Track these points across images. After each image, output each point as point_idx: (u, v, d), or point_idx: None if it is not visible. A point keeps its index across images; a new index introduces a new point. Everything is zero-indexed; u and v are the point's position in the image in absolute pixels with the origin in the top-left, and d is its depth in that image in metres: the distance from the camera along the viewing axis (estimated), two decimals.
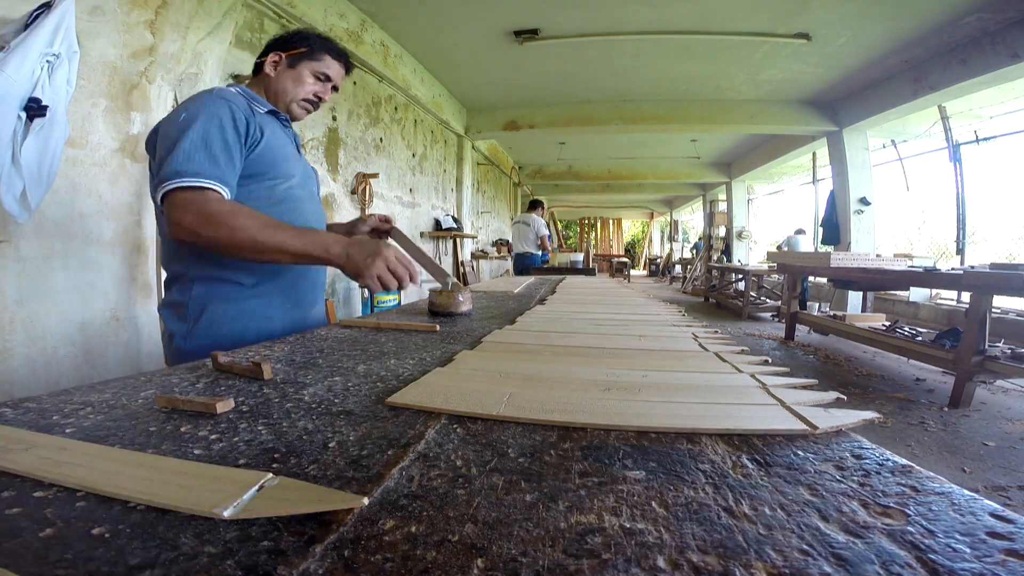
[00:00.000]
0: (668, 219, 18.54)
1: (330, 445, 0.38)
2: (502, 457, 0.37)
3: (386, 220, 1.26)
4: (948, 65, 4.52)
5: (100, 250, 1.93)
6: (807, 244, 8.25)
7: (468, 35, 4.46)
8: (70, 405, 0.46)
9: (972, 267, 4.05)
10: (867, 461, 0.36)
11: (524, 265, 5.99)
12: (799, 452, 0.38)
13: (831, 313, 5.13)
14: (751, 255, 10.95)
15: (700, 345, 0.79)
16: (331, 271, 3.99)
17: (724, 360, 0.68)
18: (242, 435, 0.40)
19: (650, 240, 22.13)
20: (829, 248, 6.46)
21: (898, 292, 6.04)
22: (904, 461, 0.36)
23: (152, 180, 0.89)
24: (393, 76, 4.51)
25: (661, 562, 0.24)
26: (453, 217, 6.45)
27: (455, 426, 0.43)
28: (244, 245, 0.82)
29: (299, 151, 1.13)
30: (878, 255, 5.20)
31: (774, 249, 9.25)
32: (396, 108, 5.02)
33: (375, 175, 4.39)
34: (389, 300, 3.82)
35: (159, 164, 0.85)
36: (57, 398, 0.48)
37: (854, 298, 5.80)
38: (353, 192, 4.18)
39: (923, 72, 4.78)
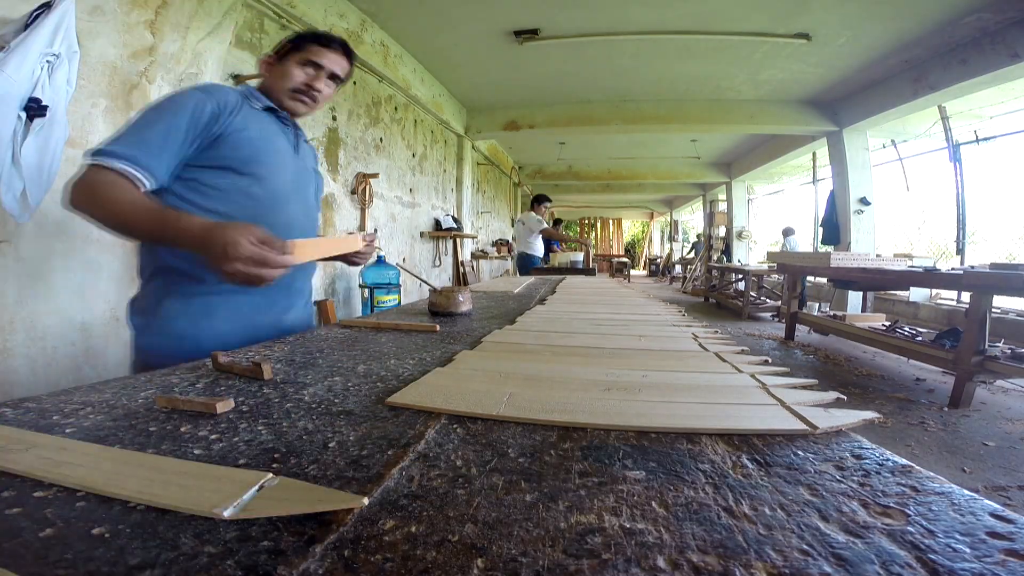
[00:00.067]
0: (668, 219, 18.54)
1: (330, 445, 0.38)
2: (502, 457, 0.37)
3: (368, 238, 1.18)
4: (948, 65, 4.52)
5: (100, 250, 1.93)
6: (802, 241, 8.28)
7: (468, 35, 4.46)
8: (70, 405, 0.46)
9: (972, 267, 4.05)
10: (867, 461, 0.36)
11: (522, 265, 5.98)
12: (799, 452, 0.38)
13: (831, 313, 5.13)
14: (751, 255, 10.96)
15: (700, 345, 0.79)
16: (328, 272, 3.97)
17: (724, 360, 0.68)
18: (242, 435, 0.40)
19: (650, 240, 22.14)
20: (829, 248, 6.46)
21: (898, 292, 6.04)
22: (904, 461, 0.36)
23: None
24: (393, 76, 4.52)
25: (661, 562, 0.24)
26: (453, 217, 6.45)
27: (455, 426, 0.43)
28: (106, 219, 0.81)
29: (299, 151, 1.11)
30: (878, 255, 5.20)
31: (774, 249, 9.27)
32: (396, 108, 5.02)
33: (375, 175, 4.39)
34: (389, 300, 3.82)
35: None
36: (57, 398, 0.48)
37: (854, 298, 5.80)
38: (353, 192, 4.19)
39: (923, 72, 4.78)
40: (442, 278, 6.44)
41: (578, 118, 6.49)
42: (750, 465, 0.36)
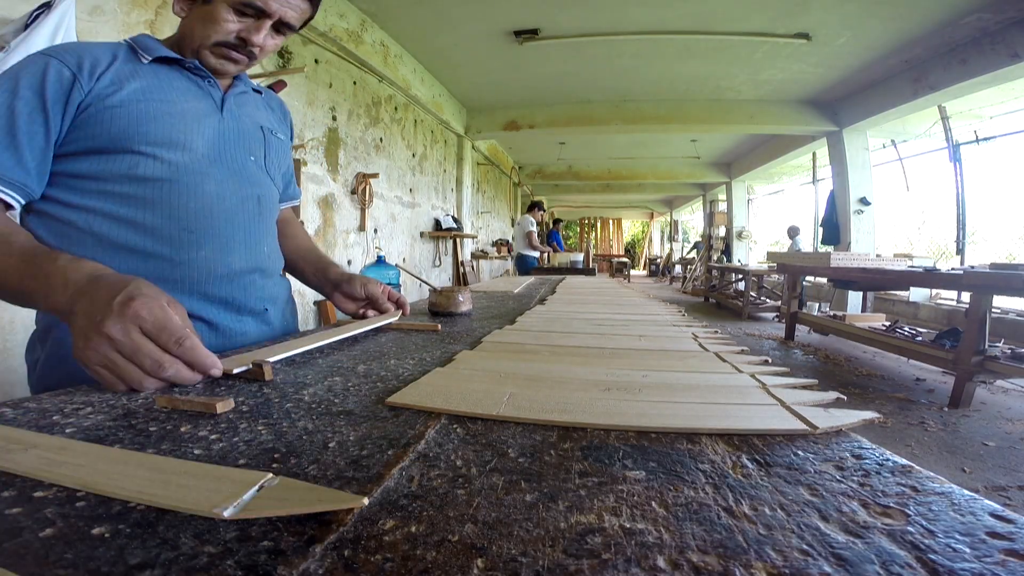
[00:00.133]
0: (668, 219, 18.56)
1: (330, 445, 0.38)
2: (502, 457, 0.37)
3: (398, 302, 1.00)
4: (948, 65, 4.52)
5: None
6: (804, 241, 8.29)
7: (468, 35, 4.46)
8: (70, 405, 0.46)
9: (972, 267, 4.05)
10: (867, 461, 0.36)
11: (519, 265, 6.10)
12: (799, 452, 0.38)
13: (831, 313, 5.13)
14: (751, 255, 10.96)
15: (700, 345, 0.79)
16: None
17: (724, 360, 0.68)
18: (242, 435, 0.40)
19: (650, 240, 22.15)
20: (829, 248, 6.47)
21: (898, 292, 6.05)
22: (904, 461, 0.36)
23: None
24: (393, 76, 4.52)
25: (661, 562, 0.24)
26: (453, 217, 6.46)
27: (455, 426, 0.43)
28: None
29: (226, 110, 0.81)
30: (878, 255, 5.21)
31: (774, 249, 9.27)
32: (396, 108, 5.02)
33: (375, 175, 4.39)
34: None
35: None
36: (57, 398, 0.48)
37: (854, 298, 5.80)
38: (353, 192, 4.19)
39: (923, 72, 4.79)
40: (442, 278, 6.45)
41: (578, 118, 6.50)
42: (750, 465, 0.36)
